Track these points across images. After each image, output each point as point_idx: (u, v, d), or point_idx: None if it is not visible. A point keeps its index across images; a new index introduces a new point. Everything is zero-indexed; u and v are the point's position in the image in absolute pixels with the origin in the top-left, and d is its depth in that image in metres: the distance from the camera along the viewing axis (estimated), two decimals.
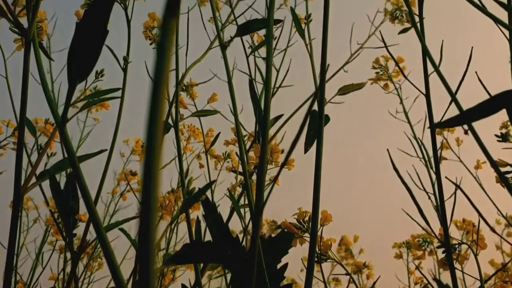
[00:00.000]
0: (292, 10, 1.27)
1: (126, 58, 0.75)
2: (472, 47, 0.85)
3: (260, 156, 1.06)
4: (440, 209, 1.02)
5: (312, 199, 0.75)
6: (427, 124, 0.97)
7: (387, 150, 0.76)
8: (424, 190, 1.41)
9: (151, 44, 1.74)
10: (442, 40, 1.00)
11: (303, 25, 1.38)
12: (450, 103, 0.76)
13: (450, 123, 0.55)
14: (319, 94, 1.10)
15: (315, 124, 1.14)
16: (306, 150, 1.20)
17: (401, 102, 1.69)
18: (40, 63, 0.85)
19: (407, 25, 1.82)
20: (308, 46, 1.33)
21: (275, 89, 1.63)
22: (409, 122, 1.62)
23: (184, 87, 1.57)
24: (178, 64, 1.43)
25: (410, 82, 0.90)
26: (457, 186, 1.18)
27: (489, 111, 0.52)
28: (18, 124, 0.84)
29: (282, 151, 1.89)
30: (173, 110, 1.38)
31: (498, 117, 1.52)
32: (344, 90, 1.13)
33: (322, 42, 0.91)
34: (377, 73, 1.83)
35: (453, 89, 0.69)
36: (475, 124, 0.67)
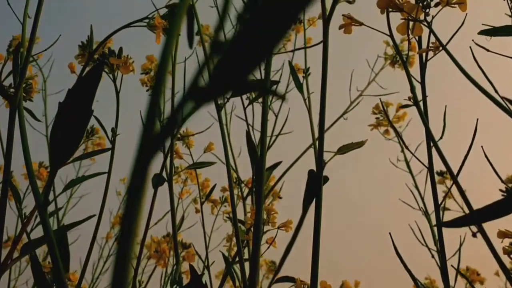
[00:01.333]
0: (290, 65, 1.24)
1: (114, 130, 0.72)
2: (477, 120, 0.82)
3: (255, 222, 1.00)
4: (442, 271, 0.96)
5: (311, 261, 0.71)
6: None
7: (389, 234, 0.71)
8: (427, 246, 1.36)
9: (147, 91, 1.72)
10: (445, 106, 0.96)
11: (301, 78, 1.35)
12: (452, 186, 0.73)
13: (457, 223, 0.51)
14: (317, 157, 1.06)
15: (314, 184, 1.10)
16: (304, 210, 1.16)
17: (402, 150, 1.65)
18: (24, 132, 0.82)
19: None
20: (307, 101, 1.30)
21: (274, 137, 1.59)
22: (410, 172, 1.58)
23: (180, 137, 1.54)
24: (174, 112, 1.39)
25: (413, 154, 0.86)
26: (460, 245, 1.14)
27: (501, 213, 0.48)
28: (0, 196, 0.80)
29: (280, 197, 1.84)
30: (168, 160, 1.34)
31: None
32: (343, 150, 1.09)
33: (320, 113, 0.88)
34: (377, 118, 1.80)
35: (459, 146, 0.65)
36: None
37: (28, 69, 1.04)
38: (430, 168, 0.88)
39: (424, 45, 0.83)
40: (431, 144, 0.87)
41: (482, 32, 0.82)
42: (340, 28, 0.82)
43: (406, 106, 0.72)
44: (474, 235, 0.54)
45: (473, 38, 0.85)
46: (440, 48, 0.75)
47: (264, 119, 1.17)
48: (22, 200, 0.93)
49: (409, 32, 0.77)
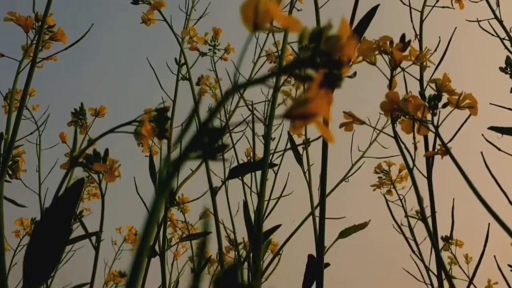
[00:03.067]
0: (290, 136, 1.20)
1: (99, 234, 0.67)
2: (489, 225, 0.76)
3: None
4: None
5: None
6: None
7: None
8: None
9: (142, 151, 1.66)
10: (453, 200, 0.91)
11: (300, 149, 1.31)
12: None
13: None
14: (317, 243, 1.00)
15: (314, 270, 1.04)
16: None
17: (406, 216, 1.59)
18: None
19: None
20: (306, 174, 1.26)
21: (274, 199, 1.54)
22: (414, 239, 1.52)
23: (175, 203, 1.49)
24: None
25: (418, 218, 0.80)
26: None
27: None
28: None
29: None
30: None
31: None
32: (345, 234, 1.04)
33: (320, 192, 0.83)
34: (379, 177, 1.75)
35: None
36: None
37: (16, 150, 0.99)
38: (434, 235, 0.82)
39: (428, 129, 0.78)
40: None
41: (492, 128, 0.77)
42: (340, 126, 0.77)
43: (412, 217, 0.67)
44: None
45: (483, 133, 0.80)
46: (448, 149, 0.71)
47: (262, 190, 1.12)
48: None
49: (415, 132, 0.72)
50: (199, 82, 2.31)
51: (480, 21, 1.27)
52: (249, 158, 1.52)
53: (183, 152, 0.36)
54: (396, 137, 0.70)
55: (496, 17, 1.27)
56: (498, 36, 1.20)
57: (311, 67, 0.36)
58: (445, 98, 0.71)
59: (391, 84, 0.72)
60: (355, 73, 1.14)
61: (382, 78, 0.81)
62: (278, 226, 1.51)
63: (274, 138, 1.37)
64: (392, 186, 1.70)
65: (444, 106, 0.71)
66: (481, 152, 0.68)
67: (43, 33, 1.09)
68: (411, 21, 1.08)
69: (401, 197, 1.64)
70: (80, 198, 0.54)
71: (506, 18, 1.26)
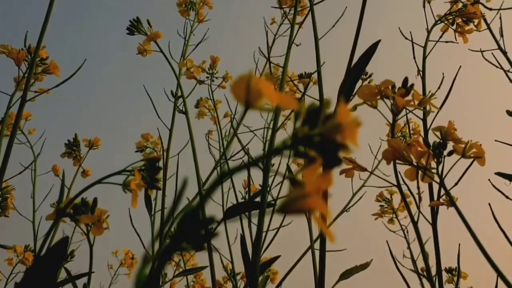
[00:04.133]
0: (288, 168, 1.17)
1: (86, 286, 0.63)
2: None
3: None
4: None
5: None
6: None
7: None
8: None
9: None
10: (459, 246, 0.87)
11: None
12: None
13: None
14: (318, 282, 0.96)
15: None
16: None
17: (409, 247, 1.56)
18: None
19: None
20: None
21: (273, 231, 1.50)
22: (417, 271, 1.47)
23: (169, 237, 1.45)
24: (164, 217, 1.32)
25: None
26: None
27: None
28: None
29: None
30: None
31: None
32: (347, 275, 1.00)
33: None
34: (381, 206, 1.71)
35: None
36: None
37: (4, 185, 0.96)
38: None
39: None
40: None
41: (499, 174, 0.74)
42: (341, 173, 0.74)
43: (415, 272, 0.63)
44: None
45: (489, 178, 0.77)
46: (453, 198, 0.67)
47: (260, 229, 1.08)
48: None
49: (418, 179, 0.69)
50: (197, 104, 2.28)
51: (483, 51, 1.25)
52: (246, 189, 1.49)
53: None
54: (399, 187, 0.67)
55: (499, 47, 1.24)
56: (502, 68, 1.17)
57: (307, 147, 0.33)
58: (450, 145, 0.68)
59: (393, 130, 0.69)
60: (355, 107, 1.11)
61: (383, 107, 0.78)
62: (276, 258, 1.47)
63: (272, 175, 1.34)
64: (394, 215, 1.66)
65: (450, 154, 0.67)
66: (489, 204, 0.65)
67: (36, 66, 1.06)
68: (414, 57, 1.05)
69: (404, 227, 1.60)
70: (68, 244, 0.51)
71: (510, 49, 1.23)
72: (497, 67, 1.18)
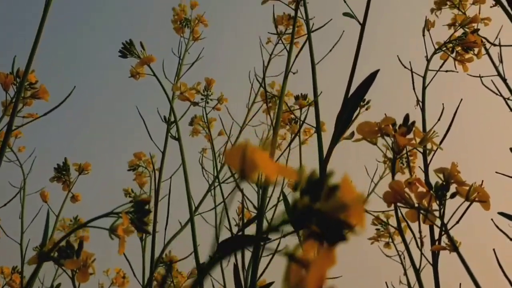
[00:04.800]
0: (284, 196, 1.14)
1: None
2: None
3: None
4: None
5: None
6: None
7: None
8: None
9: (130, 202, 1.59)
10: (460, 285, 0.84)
11: None
12: None
13: None
14: None
15: None
16: None
17: (405, 273, 1.52)
18: None
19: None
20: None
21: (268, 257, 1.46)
22: None
23: (161, 262, 1.42)
24: (155, 241, 1.28)
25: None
26: None
27: None
28: None
29: None
30: None
31: None
32: None
33: None
34: (377, 229, 1.68)
35: None
36: None
37: None
38: None
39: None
40: None
41: (502, 214, 0.71)
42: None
43: None
44: None
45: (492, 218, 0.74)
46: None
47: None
48: None
49: (420, 222, 0.66)
50: (192, 122, 2.26)
51: (482, 77, 1.22)
52: (240, 216, 1.46)
53: None
54: (401, 232, 0.64)
55: (499, 74, 1.22)
56: (502, 96, 1.15)
57: (308, 222, 0.30)
58: (453, 187, 0.65)
59: (394, 170, 0.66)
60: (352, 134, 1.09)
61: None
62: (270, 284, 1.43)
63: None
64: (390, 239, 1.64)
65: (453, 196, 0.65)
66: (494, 250, 0.62)
67: (25, 90, 1.03)
68: (413, 88, 1.02)
69: (400, 253, 1.57)
70: None
71: (510, 76, 1.21)
72: (496, 94, 1.16)
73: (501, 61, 1.25)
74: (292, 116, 1.69)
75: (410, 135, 0.67)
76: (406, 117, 0.67)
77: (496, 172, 0.97)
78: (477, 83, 1.23)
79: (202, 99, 1.50)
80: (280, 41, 1.60)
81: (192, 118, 2.22)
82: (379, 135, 0.67)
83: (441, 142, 0.78)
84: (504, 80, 1.19)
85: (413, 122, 0.67)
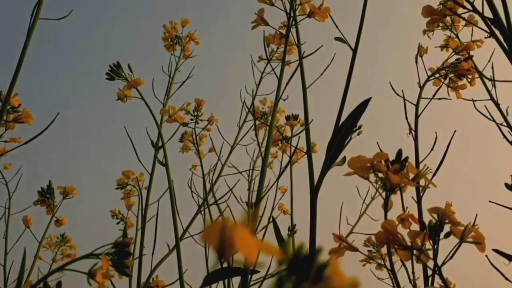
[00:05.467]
0: (274, 222, 1.11)
1: None
2: None
3: None
4: None
5: None
6: None
7: None
8: None
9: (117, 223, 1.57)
10: None
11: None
12: None
13: None
14: None
15: None
16: None
17: None
18: None
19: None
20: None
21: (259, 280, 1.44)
22: None
23: (148, 287, 1.38)
24: (141, 266, 1.25)
25: None
26: None
27: None
28: None
29: None
30: None
31: None
32: None
33: None
34: (369, 251, 1.65)
35: None
36: None
37: None
38: None
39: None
40: None
41: (497, 252, 0.69)
42: (329, 253, 0.69)
43: None
44: None
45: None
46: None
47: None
48: None
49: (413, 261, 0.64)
50: (182, 138, 2.23)
51: (475, 101, 1.21)
52: None
53: None
54: (393, 274, 0.62)
55: (492, 98, 1.21)
56: (495, 121, 1.14)
57: None
58: (447, 227, 0.63)
59: (386, 207, 0.64)
60: (343, 159, 1.06)
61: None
62: None
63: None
64: (382, 261, 1.60)
65: (447, 236, 0.63)
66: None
67: (8, 113, 1.00)
68: (406, 117, 1.00)
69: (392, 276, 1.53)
70: None
71: (502, 100, 1.20)
72: (489, 119, 1.15)
73: (494, 86, 1.23)
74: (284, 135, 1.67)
75: (404, 171, 0.65)
76: (399, 153, 0.65)
77: (490, 201, 0.95)
78: (469, 106, 1.22)
79: (192, 119, 1.48)
80: (271, 61, 1.58)
81: (183, 134, 2.19)
82: (371, 171, 0.65)
83: (433, 177, 0.76)
84: (497, 105, 1.18)
85: (406, 158, 0.65)
